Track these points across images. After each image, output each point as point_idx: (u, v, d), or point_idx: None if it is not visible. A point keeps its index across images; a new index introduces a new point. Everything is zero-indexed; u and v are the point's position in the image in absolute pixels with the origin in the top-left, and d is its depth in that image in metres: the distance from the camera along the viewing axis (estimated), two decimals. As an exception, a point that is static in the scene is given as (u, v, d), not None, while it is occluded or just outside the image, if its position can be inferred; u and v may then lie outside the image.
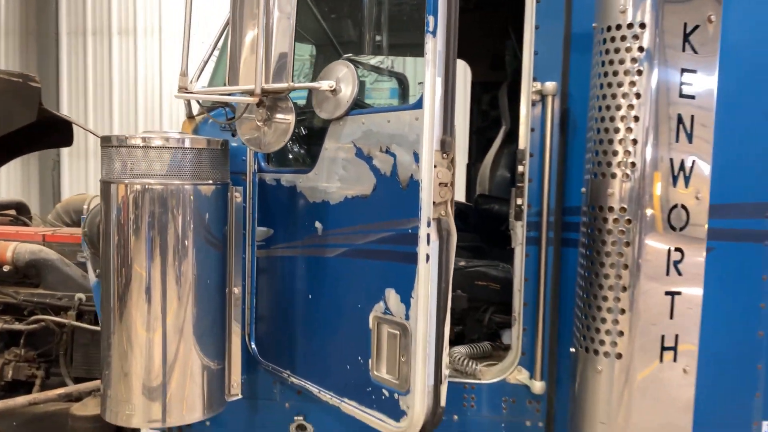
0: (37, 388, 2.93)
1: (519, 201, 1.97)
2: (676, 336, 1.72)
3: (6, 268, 2.94)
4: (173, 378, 1.95)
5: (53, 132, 4.29)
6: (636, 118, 1.72)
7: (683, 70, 1.65)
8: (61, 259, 3.01)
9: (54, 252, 3.01)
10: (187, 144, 1.91)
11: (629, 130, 1.73)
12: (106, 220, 1.96)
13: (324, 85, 1.83)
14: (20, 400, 2.75)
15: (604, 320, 1.78)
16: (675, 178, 1.68)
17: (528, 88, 2.00)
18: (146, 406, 1.95)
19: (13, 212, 3.57)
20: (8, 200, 3.54)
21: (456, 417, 2.06)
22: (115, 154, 1.94)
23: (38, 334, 2.99)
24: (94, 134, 4.83)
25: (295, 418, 2.31)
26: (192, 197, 1.92)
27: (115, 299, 1.95)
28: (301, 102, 2.50)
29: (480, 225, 3.07)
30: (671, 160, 1.67)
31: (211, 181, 1.95)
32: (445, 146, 1.55)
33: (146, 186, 1.89)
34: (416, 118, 1.59)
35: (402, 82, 3.73)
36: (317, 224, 1.96)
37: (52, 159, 9.65)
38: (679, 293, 1.72)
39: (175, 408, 1.96)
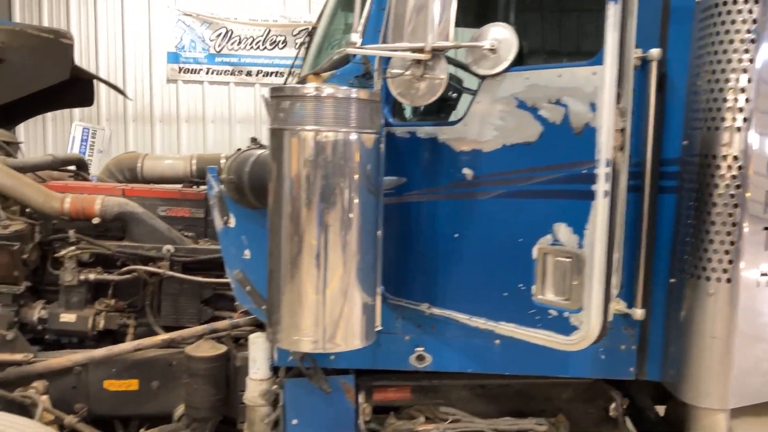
0: (130, 337, 3.02)
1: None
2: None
3: (95, 221, 3.00)
4: (338, 309, 2.15)
5: (73, 91, 4.29)
6: (749, 80, 2.08)
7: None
8: (146, 212, 3.09)
9: (138, 205, 3.09)
10: (355, 95, 2.10)
11: (742, 90, 2.08)
12: (277, 164, 2.13)
13: (486, 44, 2.07)
14: (125, 346, 2.85)
15: (716, 251, 2.14)
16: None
17: (631, 54, 2.31)
18: (313, 333, 2.14)
19: (73, 168, 3.57)
20: (68, 156, 3.52)
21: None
22: (286, 104, 2.10)
23: (125, 285, 3.08)
24: (124, 94, 4.82)
25: (416, 349, 2.56)
26: (358, 145, 2.12)
27: (285, 235, 2.13)
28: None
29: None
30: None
31: (372, 131, 2.15)
32: (619, 98, 1.84)
33: (318, 133, 2.07)
34: (593, 72, 1.86)
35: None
36: (465, 171, 2.20)
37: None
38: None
39: (339, 335, 2.17)
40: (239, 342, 3.00)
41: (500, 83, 2.09)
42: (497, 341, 2.43)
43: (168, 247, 3.05)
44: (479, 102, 2.15)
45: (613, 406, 2.61)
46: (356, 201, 2.11)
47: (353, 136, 2.10)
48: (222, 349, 2.78)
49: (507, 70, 2.07)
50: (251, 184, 2.32)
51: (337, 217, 2.09)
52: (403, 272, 2.41)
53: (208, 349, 2.76)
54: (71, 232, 2.98)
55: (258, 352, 2.77)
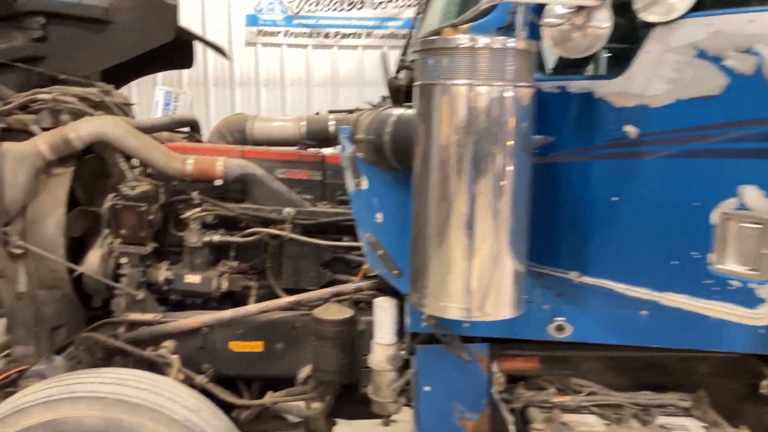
0: (252, 299, 3.02)
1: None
2: None
3: (217, 183, 2.98)
4: (488, 277, 2.04)
5: (174, 52, 4.26)
6: None
7: None
8: (266, 174, 3.05)
9: (258, 167, 3.05)
10: (512, 45, 1.95)
11: None
12: (425, 123, 2.02)
13: (663, -12, 1.87)
14: (251, 308, 2.85)
15: None
16: None
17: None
18: (462, 301, 2.05)
19: (187, 129, 3.58)
20: (183, 117, 3.52)
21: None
22: (437, 58, 1.98)
23: (247, 247, 3.06)
24: (225, 55, 4.80)
25: (555, 319, 2.44)
26: (514, 101, 1.97)
27: (433, 198, 2.03)
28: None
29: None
30: None
31: (528, 85, 2.00)
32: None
33: (472, 87, 1.94)
34: (798, 16, 1.65)
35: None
36: (628, 128, 2.03)
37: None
38: None
39: (489, 304, 2.07)
40: (359, 305, 2.96)
41: (675, 31, 1.90)
42: (644, 312, 2.28)
43: (289, 210, 3.01)
44: (647, 52, 1.97)
45: (765, 383, 2.43)
46: (510, 162, 1.98)
47: (509, 91, 1.96)
48: (349, 312, 2.74)
49: (684, 16, 1.88)
50: (393, 144, 2.22)
51: (489, 179, 1.97)
52: (547, 238, 2.28)
53: (336, 312, 2.73)
54: (195, 194, 2.97)
55: (384, 316, 2.72)
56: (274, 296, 3.07)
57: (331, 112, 3.84)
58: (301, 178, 3.15)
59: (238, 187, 3.09)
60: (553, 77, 2.22)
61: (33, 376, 2.69)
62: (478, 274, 2.01)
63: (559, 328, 2.44)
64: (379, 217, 2.50)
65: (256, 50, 10.31)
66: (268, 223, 3.02)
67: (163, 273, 2.99)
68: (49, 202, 2.83)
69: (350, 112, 3.62)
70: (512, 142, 1.96)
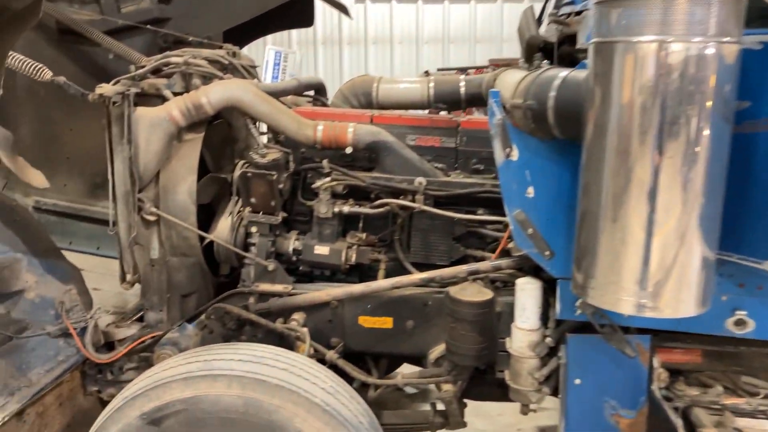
0: (381, 273, 2.88)
1: None
2: None
3: (347, 150, 2.82)
4: (670, 263, 1.76)
5: (293, 11, 4.12)
6: None
7: None
8: (397, 142, 2.86)
9: (389, 134, 2.87)
10: (717, -6, 1.62)
11: None
12: (601, 86, 1.74)
13: None
14: (383, 283, 2.71)
15: None
16: None
17: None
18: (636, 292, 1.79)
19: (311, 93, 3.45)
20: (310, 80, 3.38)
21: None
22: (620, 11, 1.69)
23: (375, 219, 2.91)
24: (347, 13, 4.62)
25: (735, 312, 2.13)
26: (716, 59, 1.65)
27: (608, 171, 1.76)
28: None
29: None
30: None
31: (734, 40, 1.67)
32: None
33: (664, 44, 1.64)
34: None
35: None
36: None
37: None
38: None
39: (670, 297, 1.79)
40: (494, 284, 2.75)
41: None
42: None
43: (421, 180, 2.82)
44: None
45: None
46: (707, 127, 1.68)
47: (711, 48, 1.64)
48: (489, 294, 2.53)
49: None
50: (557, 110, 1.95)
51: (681, 145, 1.68)
52: (735, 221, 1.95)
53: (475, 293, 2.53)
54: (325, 162, 2.83)
55: (528, 299, 2.50)
56: (402, 271, 2.92)
57: (440, 70, 3.59)
58: (434, 145, 2.94)
59: (367, 155, 2.93)
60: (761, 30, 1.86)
61: (167, 344, 2.70)
62: (659, 256, 1.74)
63: (740, 323, 2.13)
64: (531, 191, 2.26)
65: (365, 7, 10.11)
66: (398, 193, 2.84)
67: (292, 243, 2.90)
68: (180, 168, 2.78)
69: (462, 70, 3.37)
70: (711, 105, 1.66)
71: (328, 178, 2.80)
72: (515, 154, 2.25)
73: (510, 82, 2.23)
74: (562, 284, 2.30)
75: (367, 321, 2.78)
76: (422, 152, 2.93)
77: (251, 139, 3.35)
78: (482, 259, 2.87)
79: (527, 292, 2.49)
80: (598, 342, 2.29)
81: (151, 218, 2.77)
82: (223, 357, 2.16)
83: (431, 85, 3.43)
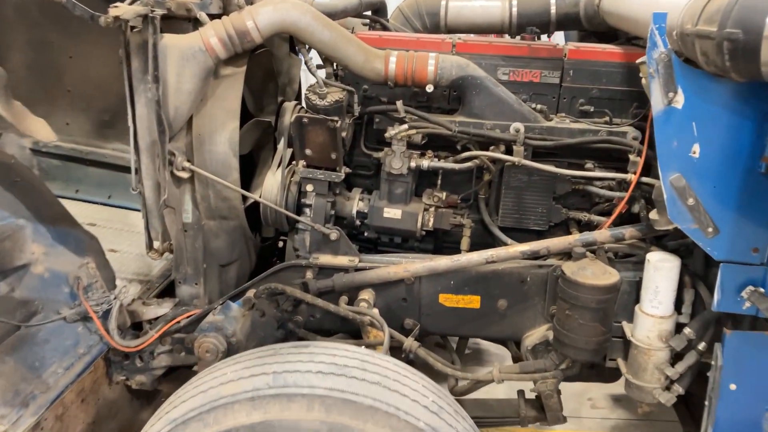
0: (465, 241, 2.36)
1: None
2: None
3: (429, 89, 2.24)
4: None
5: None
6: None
7: None
8: (489, 78, 2.27)
9: (478, 68, 2.28)
10: None
11: None
12: None
13: None
14: (474, 257, 2.19)
15: None
16: None
17: None
18: None
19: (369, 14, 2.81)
20: None
21: None
22: None
23: (457, 174, 2.37)
24: None
25: None
26: None
27: None
28: None
29: None
30: None
31: None
32: None
33: None
34: None
35: None
36: None
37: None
38: None
39: None
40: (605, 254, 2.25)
41: None
42: None
43: (518, 126, 2.26)
44: None
45: None
46: None
47: None
48: (615, 276, 2.03)
49: None
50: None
51: None
52: None
53: (599, 273, 2.02)
54: (399, 105, 2.26)
55: (663, 281, 2.00)
56: (487, 237, 2.40)
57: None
58: (532, 80, 2.35)
59: (447, 94, 2.35)
60: None
61: (210, 330, 2.20)
62: None
63: None
64: (696, 150, 1.71)
65: None
66: (487, 144, 2.29)
67: (356, 205, 2.36)
68: (219, 112, 2.20)
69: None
70: None
71: (403, 126, 2.23)
72: (680, 100, 1.68)
73: (677, 2, 1.64)
74: (725, 269, 1.79)
75: (449, 299, 2.29)
76: (517, 89, 2.35)
77: (294, 71, 2.77)
78: (589, 224, 2.36)
79: (663, 273, 1.99)
80: (766, 341, 1.81)
81: (184, 175, 2.22)
82: (298, 367, 1.67)
83: (513, 3, 2.79)
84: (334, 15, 2.33)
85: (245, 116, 2.42)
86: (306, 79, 2.81)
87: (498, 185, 2.37)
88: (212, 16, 2.11)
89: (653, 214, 1.96)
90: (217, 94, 2.21)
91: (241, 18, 2.05)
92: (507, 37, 2.92)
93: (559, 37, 3.07)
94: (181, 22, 2.12)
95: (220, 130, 2.21)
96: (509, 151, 2.29)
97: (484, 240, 2.42)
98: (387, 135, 2.24)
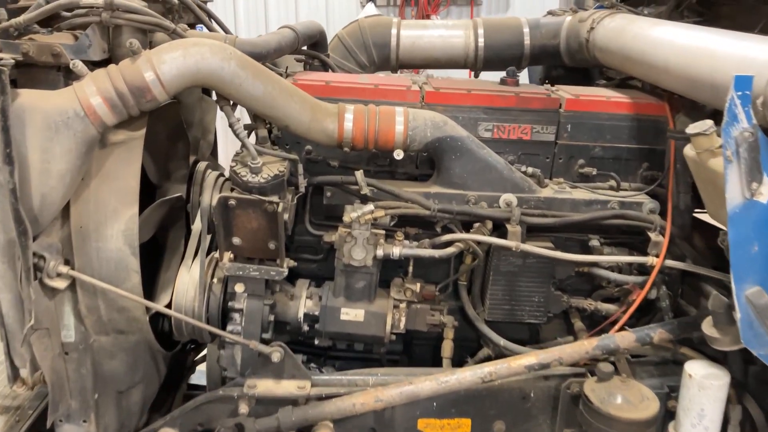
0: (448, 345, 1.83)
1: None
2: None
3: (397, 155, 1.70)
4: None
5: None
6: None
7: None
8: (471, 137, 1.77)
9: (457, 125, 1.76)
10: None
11: None
12: None
13: None
14: (468, 376, 1.66)
15: None
16: None
17: None
18: None
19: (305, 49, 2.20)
20: (310, 27, 2.10)
21: None
22: None
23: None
24: None
25: None
26: None
27: None
28: None
29: None
30: None
31: None
32: None
33: None
34: None
35: None
36: None
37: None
38: None
39: None
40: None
41: None
42: None
43: (509, 198, 1.77)
44: None
45: None
46: None
47: None
48: (654, 403, 1.56)
49: None
50: None
51: None
52: None
53: (634, 401, 1.55)
54: (359, 177, 1.70)
55: (711, 402, 1.60)
56: (469, 329, 1.91)
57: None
58: (522, 137, 1.87)
59: (417, 155, 1.83)
60: None
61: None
62: None
63: None
64: (786, 258, 1.27)
65: None
66: (473, 221, 1.78)
67: (302, 305, 1.79)
68: (109, 196, 1.57)
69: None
70: None
71: (367, 207, 1.67)
72: (765, 193, 1.23)
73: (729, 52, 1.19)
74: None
75: (430, 426, 1.76)
76: (503, 149, 1.87)
77: (209, 118, 2.16)
78: (596, 314, 1.90)
79: (710, 393, 1.56)
80: None
81: (60, 284, 1.57)
82: None
83: (480, 32, 2.30)
84: (265, 56, 1.73)
85: (145, 189, 1.79)
86: (224, 129, 2.21)
87: (484, 270, 1.87)
88: (94, 64, 1.48)
89: (709, 328, 1.51)
90: (106, 170, 1.57)
91: (136, 68, 1.42)
92: (473, 75, 2.43)
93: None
94: (47, 71, 1.47)
95: (112, 219, 1.58)
96: (496, 227, 1.80)
97: (464, 334, 1.92)
98: (346, 219, 1.67)
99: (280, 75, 1.84)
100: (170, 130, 1.87)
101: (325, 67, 2.15)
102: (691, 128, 1.37)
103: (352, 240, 1.70)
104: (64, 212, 1.57)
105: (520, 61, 2.32)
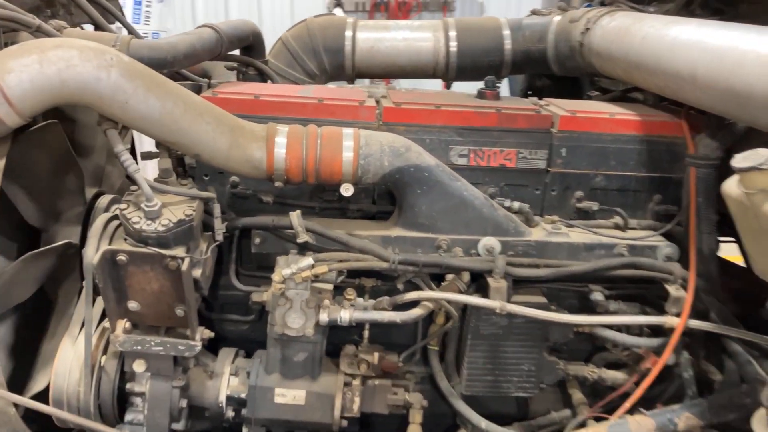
0: (416, 420, 1.44)
1: None
2: None
3: (346, 191, 1.30)
4: None
5: None
6: None
7: None
8: (441, 166, 1.38)
9: (425, 152, 1.37)
10: None
11: None
12: None
13: None
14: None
15: None
16: None
17: None
18: None
19: (238, 55, 1.78)
20: (238, 27, 1.69)
21: None
22: None
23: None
24: None
25: None
26: None
27: None
28: None
29: None
30: None
31: None
32: None
33: None
34: None
35: None
36: None
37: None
38: None
39: None
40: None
41: None
42: None
43: (490, 244, 1.38)
44: None
45: None
46: None
47: None
48: None
49: None
50: None
51: None
52: None
53: None
54: (295, 218, 1.30)
55: None
56: (442, 403, 1.51)
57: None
58: (505, 164, 1.48)
59: (373, 189, 1.44)
60: None
61: None
62: None
63: None
64: None
65: None
66: (444, 273, 1.39)
67: (225, 385, 1.38)
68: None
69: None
70: None
71: (306, 261, 1.26)
72: None
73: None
74: None
75: None
76: (481, 178, 1.48)
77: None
78: (602, 382, 1.52)
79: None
80: None
81: None
82: None
83: (452, 34, 1.92)
84: (170, 62, 1.32)
85: (23, 234, 1.38)
86: (141, 140, 1.78)
87: (460, 332, 1.48)
88: None
89: (762, 426, 1.13)
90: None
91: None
92: (447, 86, 2.05)
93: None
94: None
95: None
96: (474, 278, 1.41)
97: (437, 409, 1.52)
98: (276, 277, 1.27)
99: (198, 87, 1.44)
100: (56, 159, 1.45)
101: (262, 76, 1.75)
102: (740, 160, 1.00)
103: (286, 303, 1.30)
104: None
105: (499, 69, 1.94)
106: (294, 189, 1.43)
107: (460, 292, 1.36)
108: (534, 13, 2.06)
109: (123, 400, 1.36)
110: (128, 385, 1.33)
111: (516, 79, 2.32)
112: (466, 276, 1.40)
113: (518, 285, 1.45)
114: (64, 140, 1.41)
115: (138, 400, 1.34)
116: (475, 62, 1.93)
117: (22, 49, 1.06)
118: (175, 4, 5.83)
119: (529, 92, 2.29)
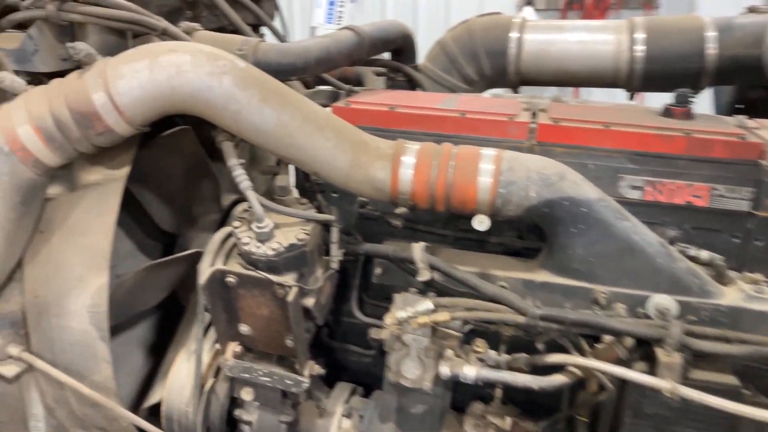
0: None
1: None
2: None
3: (479, 225, 1.10)
4: None
5: None
6: None
7: None
8: (607, 203, 1.11)
9: (584, 179, 1.12)
10: None
11: None
12: None
13: None
14: None
15: None
16: None
17: None
18: None
19: (387, 60, 1.65)
20: (384, 29, 1.57)
21: None
22: None
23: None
24: None
25: None
26: None
27: None
28: None
29: None
30: None
31: None
32: None
33: None
34: None
35: None
36: None
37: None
38: None
39: None
40: None
41: None
42: None
43: (664, 304, 1.09)
44: None
45: None
46: None
47: None
48: None
49: None
50: None
51: None
52: None
53: None
54: (418, 251, 1.13)
55: None
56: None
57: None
58: (692, 202, 1.18)
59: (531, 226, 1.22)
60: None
61: None
62: None
63: None
64: None
65: None
66: (598, 335, 1.13)
67: (334, 427, 1.25)
68: (74, 254, 1.14)
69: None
70: None
71: (425, 305, 1.08)
72: None
73: None
74: None
75: None
76: (659, 217, 1.19)
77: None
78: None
79: None
80: None
81: (10, 370, 1.17)
82: None
83: (639, 36, 1.61)
84: (302, 69, 1.21)
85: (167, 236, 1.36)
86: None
87: (617, 406, 1.20)
88: (36, 78, 1.05)
89: None
90: (72, 223, 1.16)
91: (82, 86, 0.97)
92: (633, 100, 1.73)
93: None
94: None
95: (77, 290, 1.15)
96: (639, 343, 1.12)
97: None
98: (391, 319, 1.10)
99: (335, 95, 1.32)
100: (190, 165, 1.41)
101: (410, 83, 1.59)
102: None
103: (402, 348, 1.13)
104: (11, 277, 1.17)
105: (697, 78, 1.59)
106: (427, 213, 1.26)
107: (620, 361, 1.09)
108: (751, 10, 1.67)
109: (233, 425, 1.29)
110: (236, 412, 1.25)
111: (723, 90, 1.92)
112: (629, 341, 1.12)
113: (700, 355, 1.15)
114: (197, 146, 1.37)
115: (247, 429, 1.25)
116: (666, 69, 1.59)
117: (137, 54, 1.00)
118: (365, 3, 5.86)
119: (740, 106, 1.88)
